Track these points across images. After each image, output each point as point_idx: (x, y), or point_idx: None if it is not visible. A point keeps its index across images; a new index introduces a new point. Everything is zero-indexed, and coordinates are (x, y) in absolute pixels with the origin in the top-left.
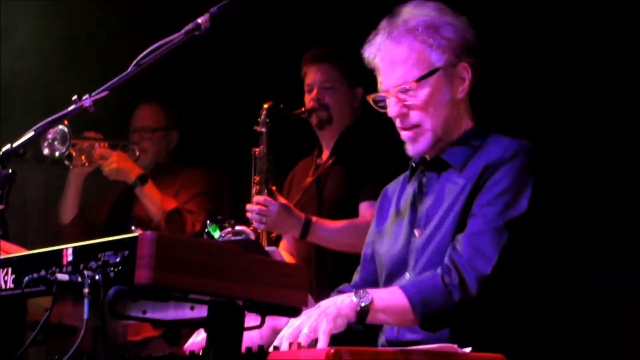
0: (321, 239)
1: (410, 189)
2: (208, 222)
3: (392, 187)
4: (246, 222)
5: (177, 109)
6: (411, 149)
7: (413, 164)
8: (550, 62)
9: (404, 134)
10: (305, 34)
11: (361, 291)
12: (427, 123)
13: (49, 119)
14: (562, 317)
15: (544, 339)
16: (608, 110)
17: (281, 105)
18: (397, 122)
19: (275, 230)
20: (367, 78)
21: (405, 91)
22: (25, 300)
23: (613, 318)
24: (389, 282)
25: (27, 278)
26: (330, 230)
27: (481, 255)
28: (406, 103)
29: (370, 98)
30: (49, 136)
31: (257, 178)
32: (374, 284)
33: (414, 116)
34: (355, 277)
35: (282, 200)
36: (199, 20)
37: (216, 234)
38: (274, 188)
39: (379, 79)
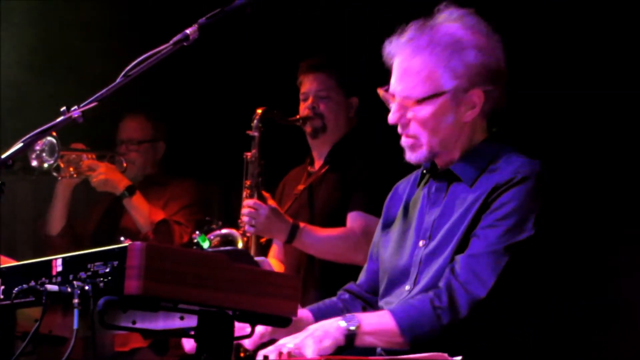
0: (307, 246)
1: (419, 195)
2: (197, 232)
3: (403, 185)
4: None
5: (164, 120)
6: (409, 156)
7: (424, 171)
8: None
9: (404, 140)
10: (298, 43)
11: (349, 315)
12: (424, 138)
13: (38, 130)
14: (552, 327)
15: (534, 349)
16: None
17: (275, 111)
18: (398, 127)
19: (264, 233)
20: (363, 87)
21: (405, 104)
22: (15, 310)
23: (606, 335)
24: (389, 289)
25: (16, 289)
26: (316, 238)
27: (477, 278)
28: (407, 114)
29: (380, 91)
30: (37, 148)
31: (248, 182)
32: (378, 287)
33: (413, 128)
34: (362, 276)
35: (272, 204)
36: (188, 31)
37: (205, 244)
38: (264, 192)
39: (392, 78)
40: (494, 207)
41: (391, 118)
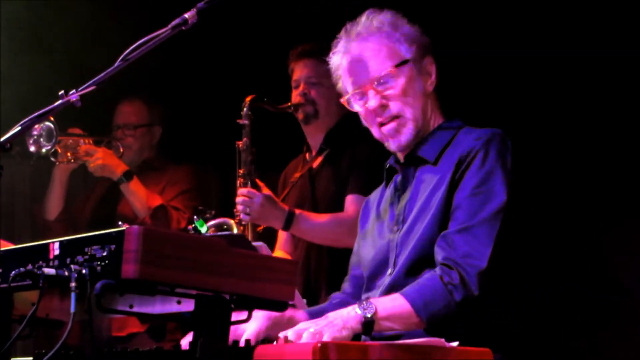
0: (304, 232)
1: (388, 193)
2: (195, 217)
3: (373, 196)
4: (233, 216)
5: (161, 105)
6: (393, 143)
7: (387, 166)
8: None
9: (386, 128)
10: (292, 29)
11: (364, 302)
12: (408, 112)
13: (35, 113)
14: (548, 312)
15: (530, 333)
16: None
17: (265, 99)
18: (377, 118)
19: (259, 221)
20: None
21: (383, 82)
22: (12, 294)
23: (600, 312)
24: (371, 282)
25: (13, 272)
26: (313, 224)
27: (475, 250)
28: (385, 94)
29: (344, 100)
30: (35, 133)
31: (242, 171)
32: (358, 295)
33: (394, 106)
34: (345, 285)
35: (266, 191)
36: (186, 15)
37: (203, 229)
38: (258, 180)
39: (349, 81)
40: (467, 177)
41: (371, 104)
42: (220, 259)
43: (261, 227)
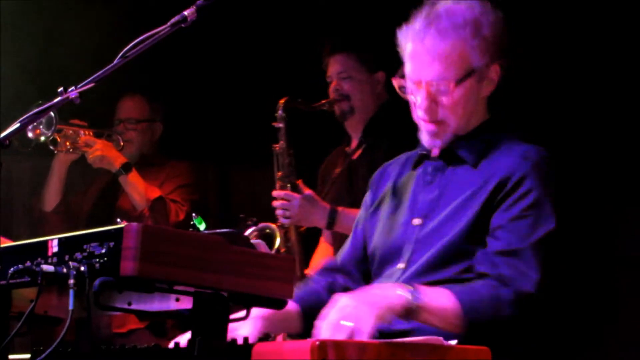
0: (347, 229)
1: (411, 175)
2: (194, 214)
3: (392, 166)
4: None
5: (162, 101)
6: (428, 141)
7: (420, 152)
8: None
9: (427, 126)
10: (291, 25)
11: (413, 287)
12: (453, 122)
13: (35, 110)
14: (548, 312)
15: (529, 332)
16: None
17: (299, 100)
18: (422, 114)
19: (301, 223)
20: (388, 61)
21: (439, 88)
22: (10, 291)
23: (597, 311)
24: (381, 268)
25: (12, 269)
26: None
27: (525, 274)
28: (437, 99)
29: (395, 81)
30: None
31: (280, 173)
32: (360, 260)
33: (442, 113)
34: (343, 250)
35: (307, 191)
36: (186, 12)
37: (202, 227)
38: (299, 181)
39: (409, 66)
40: (514, 197)
41: (421, 104)
42: (219, 257)
43: (304, 228)
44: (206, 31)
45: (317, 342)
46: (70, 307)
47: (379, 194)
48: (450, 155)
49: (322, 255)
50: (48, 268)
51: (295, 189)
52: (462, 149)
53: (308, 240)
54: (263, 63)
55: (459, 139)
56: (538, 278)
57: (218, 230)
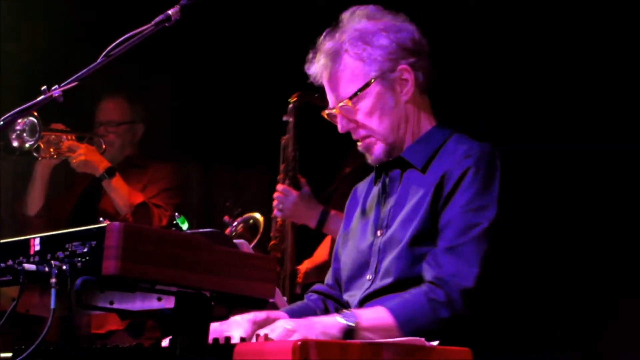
0: (336, 232)
1: (375, 190)
2: (176, 214)
3: (361, 186)
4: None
5: (144, 101)
6: (369, 159)
7: (377, 165)
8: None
9: (359, 145)
10: (287, 21)
11: (346, 311)
12: (375, 132)
13: (18, 108)
14: (528, 312)
15: (509, 333)
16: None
17: (316, 95)
18: (352, 135)
19: (292, 219)
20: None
21: (346, 107)
22: None
23: (578, 310)
24: (350, 284)
25: None
26: None
27: (463, 269)
28: (350, 118)
29: (324, 114)
30: (18, 128)
31: (283, 166)
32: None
33: (362, 129)
34: (329, 276)
35: (305, 189)
36: (170, 12)
37: (184, 226)
38: (300, 176)
39: (327, 96)
40: (457, 194)
41: (340, 129)
42: (201, 256)
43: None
44: (188, 29)
45: (299, 342)
46: (52, 306)
47: (351, 218)
48: (401, 162)
49: (325, 248)
50: (30, 267)
51: (294, 183)
52: (410, 155)
53: (302, 233)
54: (247, 62)
55: (410, 146)
56: (477, 272)
57: (201, 230)
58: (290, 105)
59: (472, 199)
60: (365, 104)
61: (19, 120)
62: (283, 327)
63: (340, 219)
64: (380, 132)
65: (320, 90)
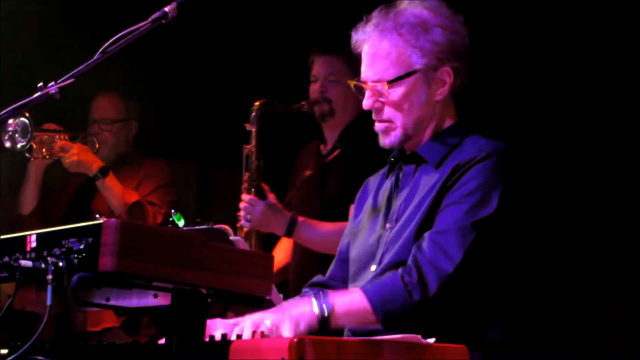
0: (305, 240)
1: (387, 184)
2: (172, 211)
3: (373, 180)
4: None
5: (137, 99)
6: (383, 141)
7: (392, 159)
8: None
9: (377, 126)
10: (272, 23)
11: (322, 297)
12: (399, 120)
13: (13, 106)
14: (525, 309)
15: (506, 331)
16: (585, 115)
17: (276, 102)
18: (373, 114)
19: (260, 228)
20: None
21: (379, 89)
22: None
23: (573, 308)
24: (356, 275)
25: None
26: (315, 232)
27: (445, 254)
28: (380, 98)
29: (351, 83)
30: (10, 129)
31: (247, 175)
32: (345, 277)
33: (387, 112)
34: (332, 267)
35: (271, 198)
36: (166, 9)
37: (181, 223)
38: (263, 184)
39: (362, 66)
40: (459, 184)
41: (365, 104)
42: (198, 253)
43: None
44: (183, 26)
45: (295, 340)
46: (49, 303)
47: (361, 210)
48: (415, 157)
49: (282, 250)
50: (26, 263)
51: (260, 192)
52: (426, 151)
53: (268, 242)
54: (243, 60)
55: (427, 142)
56: (460, 259)
57: (197, 227)
58: (253, 114)
59: (475, 189)
60: (398, 91)
61: (10, 121)
62: (261, 323)
63: (309, 226)
64: (402, 122)
65: (283, 97)
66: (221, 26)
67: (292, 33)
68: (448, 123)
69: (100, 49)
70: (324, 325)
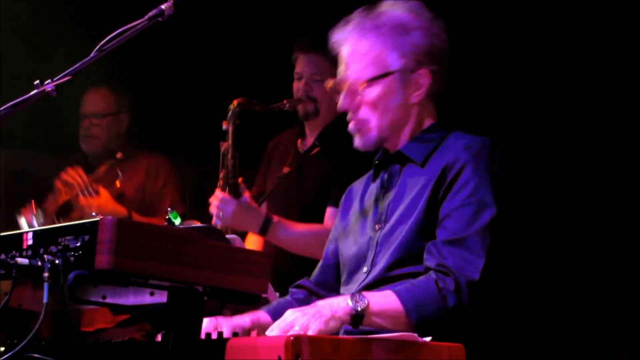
0: (279, 240)
1: (373, 187)
2: (169, 209)
3: (357, 185)
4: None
5: (128, 92)
6: (357, 141)
7: (376, 162)
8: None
9: (351, 126)
10: (264, 20)
11: (357, 295)
12: (373, 121)
13: (10, 103)
14: (522, 308)
15: (503, 330)
16: (572, 108)
17: (255, 101)
18: (348, 114)
19: (233, 227)
20: None
21: (356, 88)
22: None
23: (571, 307)
24: (349, 278)
25: None
26: (290, 232)
27: (469, 261)
28: (356, 98)
29: (329, 82)
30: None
31: (222, 172)
32: (330, 283)
33: (362, 112)
34: (316, 272)
35: (244, 196)
36: (163, 7)
37: (177, 221)
38: (240, 182)
39: (340, 66)
40: (457, 186)
41: (341, 104)
42: (194, 251)
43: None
44: (182, 25)
45: (292, 338)
46: (45, 300)
47: (347, 215)
48: (400, 157)
49: (251, 244)
50: (22, 261)
51: (234, 191)
52: (410, 150)
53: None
54: (240, 60)
55: (410, 142)
56: (482, 265)
57: (193, 225)
58: (230, 112)
59: (474, 191)
60: (373, 92)
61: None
62: (291, 324)
63: (283, 226)
64: (377, 123)
65: (261, 96)
66: (221, 25)
67: (286, 29)
68: (428, 123)
69: (97, 47)
70: (357, 322)
